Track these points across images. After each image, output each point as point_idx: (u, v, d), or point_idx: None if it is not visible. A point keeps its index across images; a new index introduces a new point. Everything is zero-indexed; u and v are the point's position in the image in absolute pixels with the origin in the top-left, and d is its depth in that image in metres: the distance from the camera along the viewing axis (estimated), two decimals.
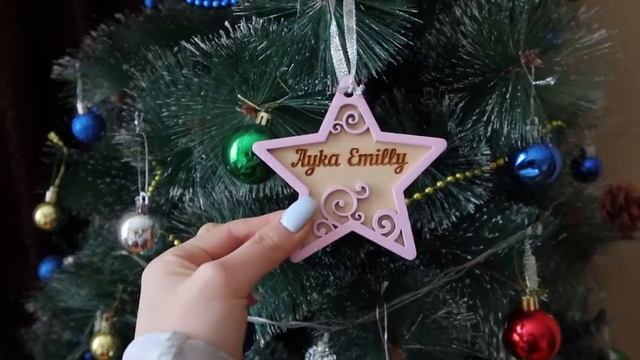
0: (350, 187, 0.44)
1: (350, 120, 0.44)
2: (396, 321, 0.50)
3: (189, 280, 0.37)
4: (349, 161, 0.44)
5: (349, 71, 0.44)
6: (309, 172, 0.44)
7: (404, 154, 0.44)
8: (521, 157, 0.54)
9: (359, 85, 0.44)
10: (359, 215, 0.44)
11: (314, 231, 0.44)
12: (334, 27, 0.44)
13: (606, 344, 0.74)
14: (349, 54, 0.44)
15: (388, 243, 0.44)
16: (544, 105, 0.51)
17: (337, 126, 0.44)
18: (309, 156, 0.44)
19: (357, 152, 0.44)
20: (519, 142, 0.52)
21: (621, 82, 0.67)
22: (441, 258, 0.55)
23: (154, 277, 0.38)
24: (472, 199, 0.53)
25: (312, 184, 0.44)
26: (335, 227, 0.44)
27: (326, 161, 0.44)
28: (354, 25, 0.44)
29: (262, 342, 0.53)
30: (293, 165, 0.44)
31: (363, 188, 0.44)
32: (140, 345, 0.36)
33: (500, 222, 0.55)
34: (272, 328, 0.52)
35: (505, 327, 0.54)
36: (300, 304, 0.52)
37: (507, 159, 0.55)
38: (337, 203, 0.44)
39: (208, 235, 0.42)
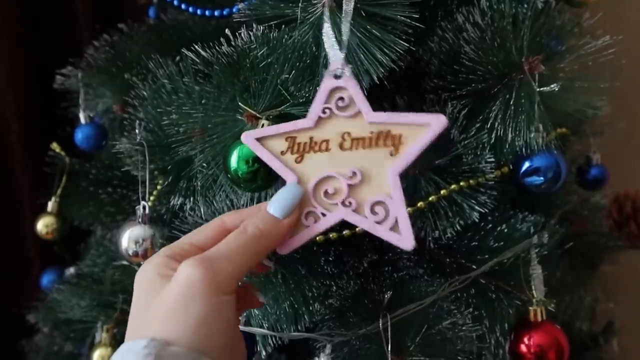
0: (340, 173, 0.41)
1: (339, 103, 0.41)
2: (400, 332, 0.49)
3: (171, 281, 0.35)
4: (341, 146, 0.41)
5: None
6: (299, 159, 0.42)
7: (400, 135, 0.40)
8: (526, 165, 0.53)
9: (348, 65, 0.41)
10: (350, 202, 0.41)
11: (302, 221, 0.41)
12: (327, 12, 0.43)
13: (615, 356, 0.73)
14: (342, 33, 0.42)
15: (382, 231, 0.40)
16: (548, 112, 0.51)
17: (326, 110, 0.42)
18: (299, 143, 0.42)
19: (349, 136, 0.41)
20: (524, 150, 0.51)
21: (627, 88, 0.67)
22: (445, 267, 0.54)
23: (142, 281, 0.37)
24: (477, 208, 0.52)
25: (302, 172, 0.42)
26: (324, 215, 0.41)
27: (316, 147, 0.42)
28: (351, 9, 0.42)
29: (264, 353, 0.52)
30: (282, 153, 0.42)
31: (354, 173, 0.41)
32: (120, 354, 0.34)
33: (506, 230, 0.54)
34: (274, 339, 0.52)
35: (511, 338, 0.53)
36: (302, 315, 0.51)
37: (511, 167, 0.54)
38: (327, 190, 0.41)
39: (201, 229, 0.41)
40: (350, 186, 0.41)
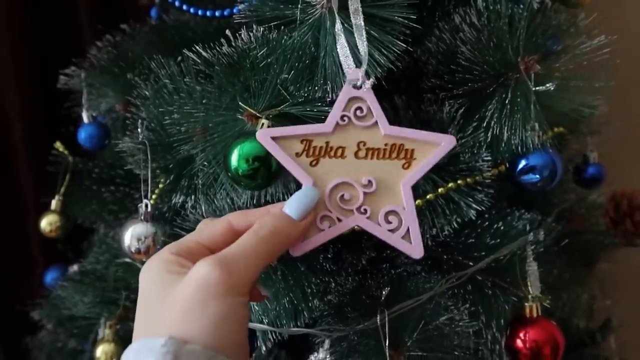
0: (356, 180, 0.43)
1: (358, 113, 0.43)
2: (397, 328, 0.50)
3: (185, 279, 0.35)
4: (356, 154, 0.43)
5: (357, 66, 0.43)
6: (314, 163, 0.43)
7: (412, 150, 0.43)
8: (522, 163, 0.54)
9: (368, 80, 0.43)
10: (365, 210, 0.43)
11: (317, 224, 0.42)
12: (339, 26, 0.44)
13: (613, 353, 0.74)
14: (359, 49, 0.44)
15: (394, 240, 0.42)
16: (545, 112, 0.52)
17: (345, 117, 0.43)
18: (314, 147, 0.43)
19: (364, 145, 0.43)
20: (520, 148, 0.52)
21: (624, 87, 0.67)
22: (443, 264, 0.55)
23: (150, 278, 0.37)
24: (474, 205, 0.53)
25: (317, 175, 0.43)
26: (340, 220, 0.43)
27: (332, 153, 0.43)
28: (362, 22, 0.44)
29: (264, 348, 0.53)
30: (297, 155, 0.43)
31: (370, 181, 0.43)
32: (135, 351, 0.34)
33: (502, 228, 0.55)
34: (274, 335, 0.52)
35: (507, 334, 0.53)
36: (301, 311, 0.52)
37: (508, 165, 0.55)
38: (342, 196, 0.43)
39: (207, 229, 0.40)
40: (365, 194, 0.43)
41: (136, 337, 0.36)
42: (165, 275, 0.36)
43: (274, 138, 0.43)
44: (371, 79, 0.43)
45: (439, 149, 0.43)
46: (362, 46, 0.44)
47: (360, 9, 0.44)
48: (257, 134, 0.43)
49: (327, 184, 0.43)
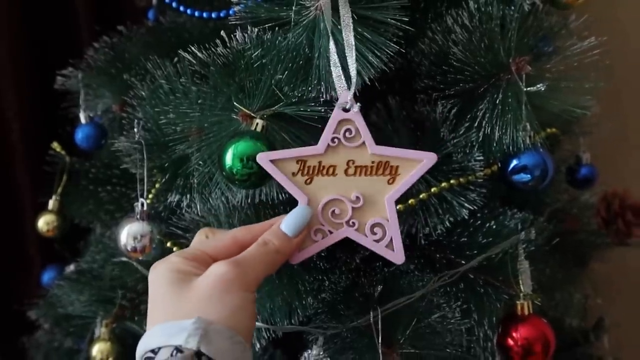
0: (345, 196, 0.47)
1: (347, 134, 0.46)
2: (390, 325, 0.51)
3: (203, 275, 0.40)
4: (346, 172, 0.47)
5: (349, 87, 0.46)
6: (308, 181, 0.47)
7: (397, 166, 0.47)
8: (514, 163, 0.55)
9: (357, 103, 0.46)
10: (353, 223, 0.47)
11: (311, 236, 0.47)
12: (332, 45, 0.46)
13: (606, 352, 0.74)
14: (349, 70, 0.46)
15: (379, 248, 0.47)
16: (536, 112, 0.52)
17: (335, 139, 0.47)
18: (309, 166, 0.47)
19: (353, 163, 0.47)
20: (511, 148, 0.53)
21: (617, 88, 0.68)
22: (435, 263, 0.56)
23: (163, 275, 0.40)
24: (466, 205, 0.54)
25: (311, 192, 0.47)
26: (331, 232, 0.47)
27: (324, 171, 0.47)
28: (353, 41, 0.46)
29: (258, 346, 0.53)
30: (293, 174, 0.47)
31: (357, 197, 0.47)
32: (161, 332, 0.38)
33: (494, 227, 0.55)
34: (268, 332, 0.53)
35: (499, 332, 0.54)
36: (295, 309, 0.53)
37: (500, 165, 0.56)
38: (333, 211, 0.47)
39: (211, 240, 0.45)
40: (354, 209, 0.47)
41: (149, 325, 0.40)
42: (177, 275, 0.40)
43: (272, 161, 0.47)
44: (359, 104, 0.46)
45: (420, 166, 0.46)
46: (352, 68, 0.46)
47: (351, 25, 0.45)
48: (258, 158, 0.46)
49: (320, 200, 0.47)
